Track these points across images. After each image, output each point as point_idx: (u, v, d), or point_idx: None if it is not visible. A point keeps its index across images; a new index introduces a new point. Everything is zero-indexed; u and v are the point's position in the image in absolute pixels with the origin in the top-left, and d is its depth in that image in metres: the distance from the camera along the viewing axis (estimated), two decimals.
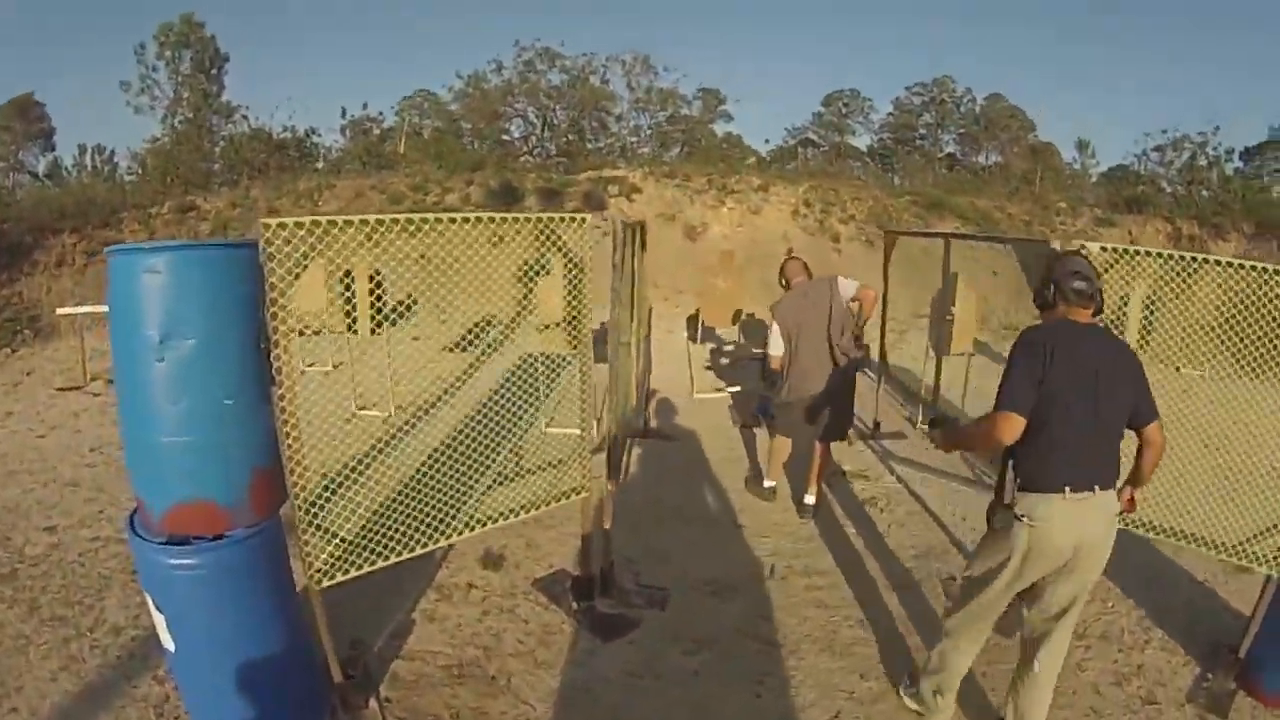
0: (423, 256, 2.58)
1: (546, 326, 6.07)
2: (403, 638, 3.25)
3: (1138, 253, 3.31)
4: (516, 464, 3.39)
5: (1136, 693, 3.05)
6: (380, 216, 2.29)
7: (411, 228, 2.39)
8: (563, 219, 2.87)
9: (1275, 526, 3.00)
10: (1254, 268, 3.11)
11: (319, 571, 2.47)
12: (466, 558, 4.04)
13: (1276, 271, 3.03)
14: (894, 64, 49.37)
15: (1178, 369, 4.09)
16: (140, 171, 18.58)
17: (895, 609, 3.65)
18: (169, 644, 2.34)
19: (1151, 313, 3.82)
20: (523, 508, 3.13)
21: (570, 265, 2.95)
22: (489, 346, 6.22)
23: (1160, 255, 3.32)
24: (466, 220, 2.50)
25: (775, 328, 4.56)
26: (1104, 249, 3.18)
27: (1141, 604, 3.71)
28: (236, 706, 2.35)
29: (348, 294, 6.29)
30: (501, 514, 3.05)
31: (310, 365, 7.79)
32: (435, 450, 2.87)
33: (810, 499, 4.70)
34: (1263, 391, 3.48)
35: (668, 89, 20.41)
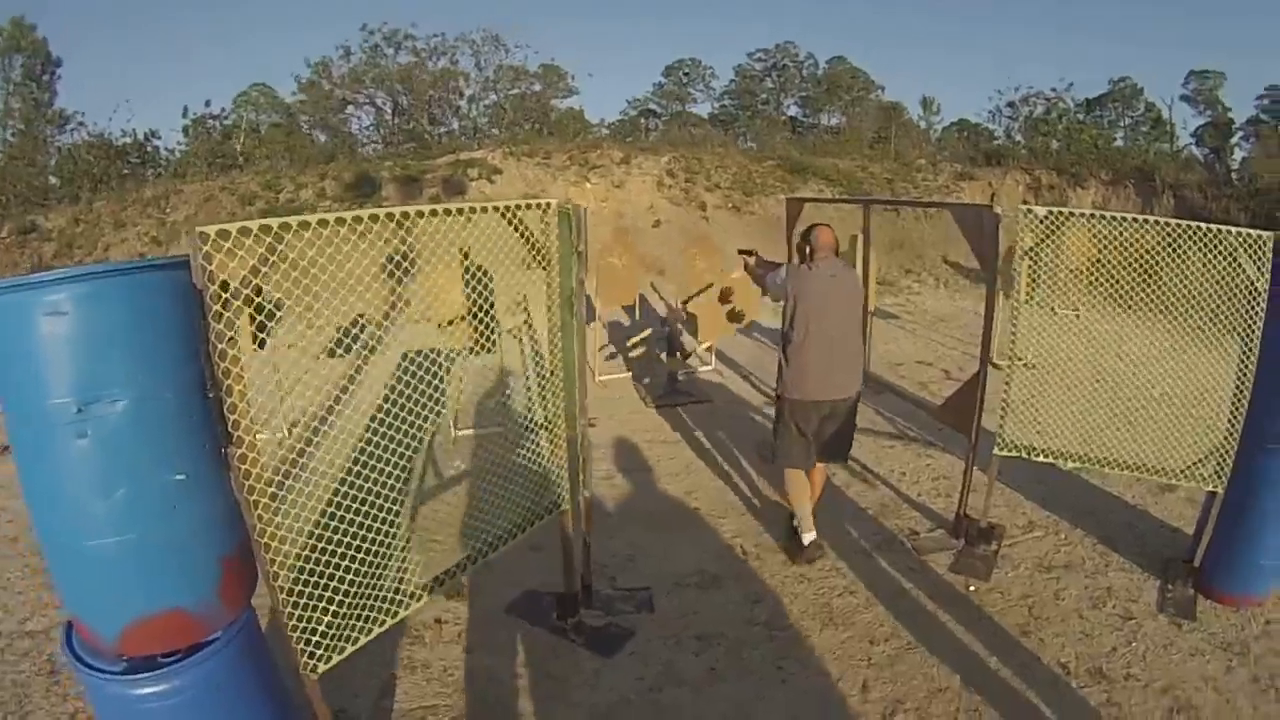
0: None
1: (449, 322, 5.62)
2: (390, 696, 2.84)
3: (1076, 214, 3.49)
4: (479, 488, 3.04)
5: (1114, 612, 3.31)
6: (341, 215, 1.88)
7: (377, 225, 1.99)
8: (529, 206, 2.55)
9: (1214, 451, 3.31)
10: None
11: (313, 658, 2.05)
12: None
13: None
14: (736, 35, 50.50)
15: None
16: None
17: (876, 570, 3.72)
18: None
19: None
20: (510, 534, 2.82)
21: (539, 256, 2.64)
22: (366, 348, 5.65)
23: (1099, 217, 3.49)
24: (435, 214, 2.14)
25: (782, 274, 3.81)
26: (1050, 212, 3.33)
27: (1090, 533, 4.03)
28: None
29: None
30: (491, 545, 2.72)
31: None
32: (380, 481, 2.39)
33: (810, 535, 3.91)
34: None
35: (518, 66, 19.75)
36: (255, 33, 43.40)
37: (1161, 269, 3.34)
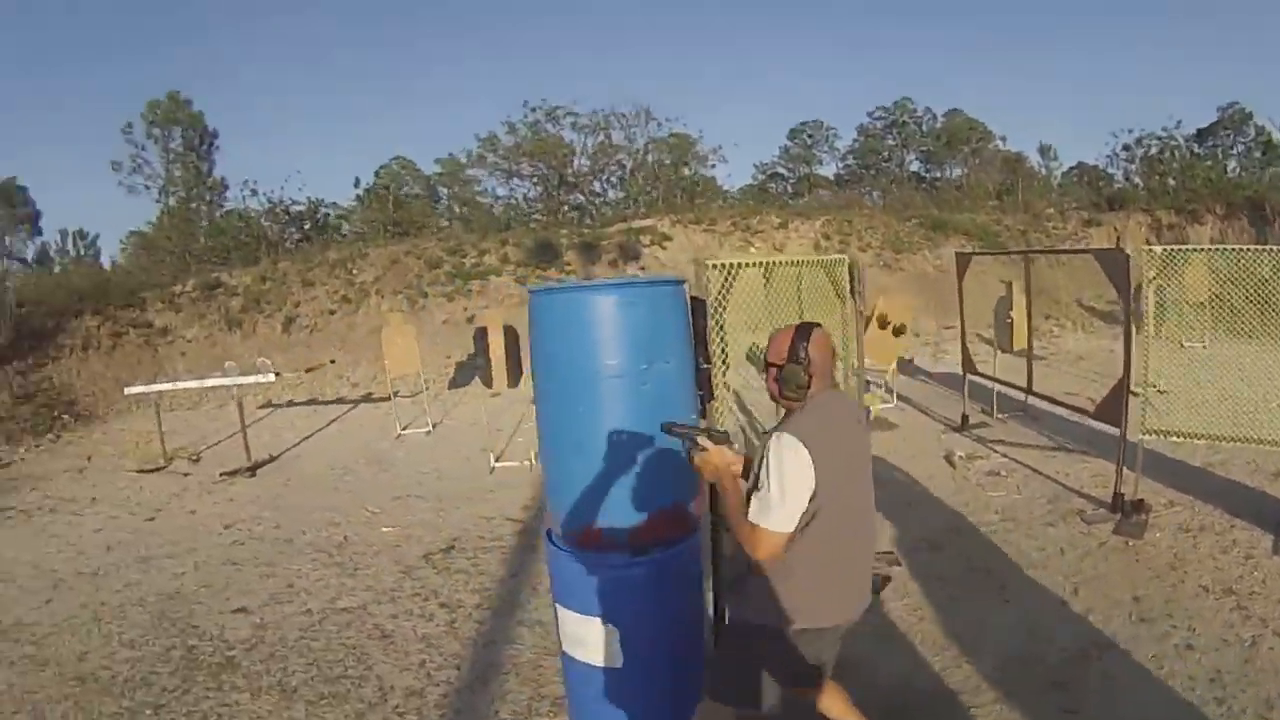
0: None
1: None
2: None
3: (1188, 250, 4.49)
4: None
5: (1239, 555, 4.35)
6: (779, 259, 3.46)
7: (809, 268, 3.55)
8: (833, 261, 4.06)
9: None
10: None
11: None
12: None
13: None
14: (854, 94, 52.00)
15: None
16: (147, 251, 18.82)
17: (1054, 536, 4.87)
18: (615, 661, 2.35)
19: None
20: None
21: (841, 299, 4.12)
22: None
23: (1210, 250, 4.50)
24: (803, 263, 3.69)
25: (792, 472, 1.94)
26: (1165, 249, 4.42)
27: (1217, 507, 4.99)
28: (682, 698, 2.36)
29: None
30: None
31: (405, 428, 8.45)
32: None
33: None
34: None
35: (670, 139, 21.09)
36: (401, 111, 49.14)
37: (1273, 294, 4.26)
